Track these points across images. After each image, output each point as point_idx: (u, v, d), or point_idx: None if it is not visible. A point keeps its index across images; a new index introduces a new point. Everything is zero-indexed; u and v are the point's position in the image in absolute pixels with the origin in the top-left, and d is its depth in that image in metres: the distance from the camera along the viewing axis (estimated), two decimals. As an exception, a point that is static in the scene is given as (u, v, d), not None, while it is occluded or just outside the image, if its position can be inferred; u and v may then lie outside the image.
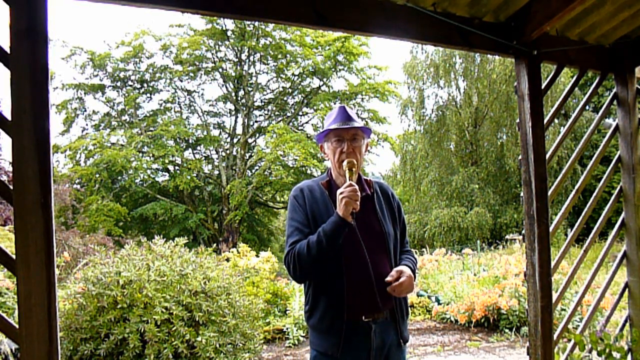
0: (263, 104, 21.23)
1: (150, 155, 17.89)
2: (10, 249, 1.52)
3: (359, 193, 1.74)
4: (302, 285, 2.00)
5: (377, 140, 20.52)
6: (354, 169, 1.84)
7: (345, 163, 1.85)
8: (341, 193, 1.73)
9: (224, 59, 19.92)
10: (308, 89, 20.62)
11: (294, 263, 1.80)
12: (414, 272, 1.92)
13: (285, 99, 20.93)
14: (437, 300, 7.13)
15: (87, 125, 20.14)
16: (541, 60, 2.54)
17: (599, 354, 2.56)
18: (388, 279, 1.81)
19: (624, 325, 2.92)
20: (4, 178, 8.60)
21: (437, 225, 19.18)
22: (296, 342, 5.66)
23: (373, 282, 1.83)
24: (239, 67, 19.74)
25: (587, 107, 15.82)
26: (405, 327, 1.95)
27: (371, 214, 1.93)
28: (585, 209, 2.81)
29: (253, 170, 19.57)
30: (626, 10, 2.46)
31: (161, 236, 5.09)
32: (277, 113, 21.09)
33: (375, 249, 1.87)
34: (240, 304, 4.59)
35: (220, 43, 19.37)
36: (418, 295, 7.55)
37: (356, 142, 1.93)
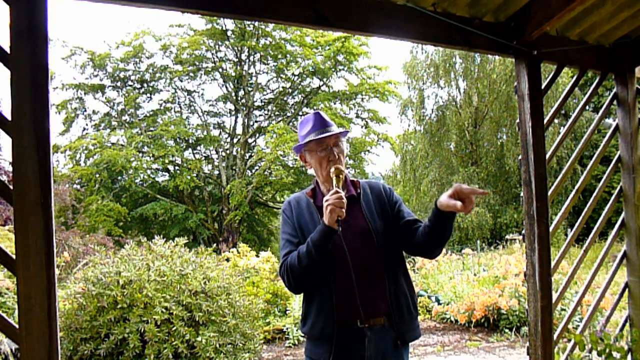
0: (263, 104, 21.24)
1: (150, 155, 17.89)
2: (10, 249, 1.52)
3: (344, 200, 1.71)
4: None
5: (377, 140, 20.51)
6: (340, 176, 1.81)
7: (332, 170, 1.82)
8: (327, 201, 1.71)
9: (224, 59, 19.93)
10: (308, 89, 20.62)
11: (287, 275, 1.81)
12: None
13: (285, 99, 20.93)
14: (437, 300, 7.13)
15: (87, 125, 20.15)
16: (541, 60, 2.54)
17: (599, 354, 2.56)
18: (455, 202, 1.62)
19: (624, 325, 2.91)
20: (4, 178, 8.60)
21: (437, 225, 19.14)
22: (296, 342, 5.66)
23: (365, 288, 1.78)
24: (239, 67, 19.74)
25: (587, 107, 15.82)
26: (408, 328, 1.86)
27: (357, 214, 1.89)
28: (585, 209, 2.81)
29: (253, 170, 19.56)
30: (626, 10, 2.46)
31: (161, 236, 5.09)
32: (277, 113, 21.09)
33: (362, 250, 1.82)
34: (240, 304, 4.59)
35: (220, 43, 19.37)
36: (418, 295, 7.55)
37: (339, 147, 1.91)
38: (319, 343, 1.84)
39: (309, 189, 2.02)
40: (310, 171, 2.06)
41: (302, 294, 1.94)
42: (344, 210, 1.69)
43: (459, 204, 1.62)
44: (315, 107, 19.51)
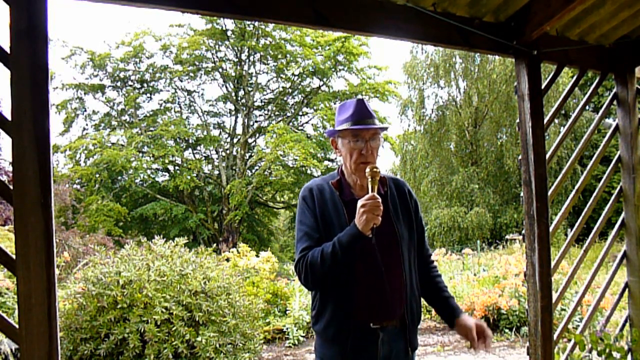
0: (263, 104, 21.25)
1: (150, 155, 17.90)
2: (10, 249, 1.52)
3: (381, 207, 1.62)
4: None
5: (377, 140, 20.49)
6: (376, 177, 1.67)
7: (368, 170, 1.68)
8: (363, 206, 1.61)
9: (224, 59, 19.94)
10: (308, 89, 20.63)
11: (305, 272, 1.71)
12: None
13: (285, 99, 20.94)
14: (437, 300, 7.12)
15: (87, 125, 20.18)
16: (541, 60, 2.54)
17: (599, 354, 2.56)
18: (473, 335, 1.80)
19: (624, 325, 2.92)
20: (4, 178, 8.60)
21: (437, 225, 19.19)
22: (296, 342, 5.66)
23: (387, 290, 1.73)
24: (239, 67, 19.75)
25: (587, 107, 15.80)
26: (415, 334, 1.86)
27: (384, 214, 1.73)
28: (585, 209, 2.81)
29: (253, 170, 19.57)
30: (626, 10, 2.46)
31: (161, 236, 5.08)
32: (277, 113, 21.10)
33: (386, 253, 1.75)
34: (240, 304, 4.59)
35: (220, 43, 19.38)
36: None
37: (374, 142, 1.78)
38: (332, 344, 1.77)
39: (334, 179, 1.87)
40: (339, 159, 2.00)
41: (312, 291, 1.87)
42: (380, 218, 1.62)
43: (475, 342, 1.78)
44: (315, 107, 19.53)
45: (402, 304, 1.78)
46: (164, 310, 3.99)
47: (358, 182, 1.82)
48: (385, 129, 1.85)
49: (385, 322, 1.75)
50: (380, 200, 1.63)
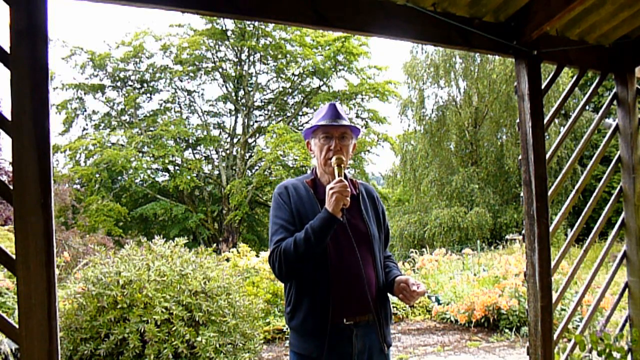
0: (263, 104, 21.25)
1: (150, 155, 17.90)
2: (10, 249, 1.52)
3: (349, 189, 1.70)
4: (284, 285, 1.94)
5: (377, 140, 20.51)
6: (342, 165, 1.79)
7: (334, 159, 1.79)
8: (331, 188, 1.68)
9: (224, 59, 19.94)
10: (308, 89, 20.63)
11: (279, 261, 1.75)
12: None
13: (285, 99, 20.94)
14: (437, 300, 7.13)
15: (87, 125, 20.17)
16: (541, 60, 2.54)
17: (599, 354, 2.56)
18: (403, 285, 1.83)
19: (624, 325, 2.92)
20: (4, 178, 8.60)
21: (437, 225, 19.17)
22: (296, 342, 5.65)
23: (365, 283, 1.79)
24: (239, 67, 19.75)
25: (587, 107, 15.79)
26: (389, 331, 1.91)
27: (356, 214, 1.88)
28: (585, 209, 2.81)
29: (253, 170, 19.58)
30: (626, 10, 2.46)
31: (161, 236, 5.09)
32: (277, 113, 21.10)
33: (361, 250, 1.82)
34: (240, 304, 4.59)
35: (220, 43, 19.38)
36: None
37: (344, 141, 1.89)
38: (309, 338, 1.79)
39: (308, 178, 1.96)
40: (313, 161, 2.07)
41: (286, 287, 1.89)
42: (348, 199, 1.69)
43: (401, 295, 1.84)
44: (315, 107, 19.52)
45: (374, 299, 1.83)
46: (164, 310, 4.00)
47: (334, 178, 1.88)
48: (355, 128, 1.93)
49: (359, 317, 1.80)
50: (347, 183, 1.72)
